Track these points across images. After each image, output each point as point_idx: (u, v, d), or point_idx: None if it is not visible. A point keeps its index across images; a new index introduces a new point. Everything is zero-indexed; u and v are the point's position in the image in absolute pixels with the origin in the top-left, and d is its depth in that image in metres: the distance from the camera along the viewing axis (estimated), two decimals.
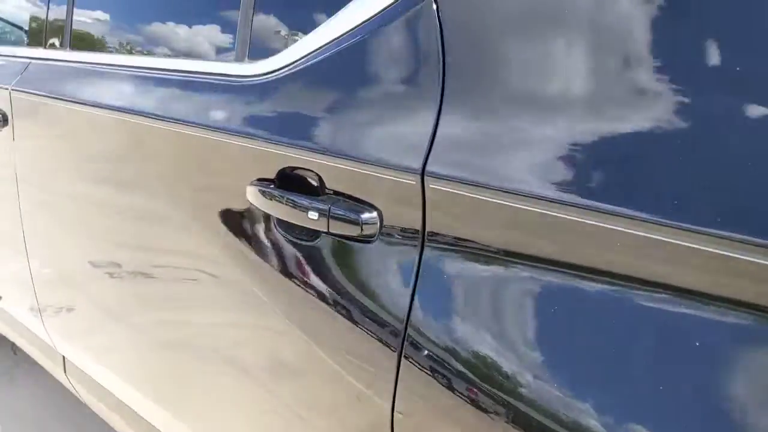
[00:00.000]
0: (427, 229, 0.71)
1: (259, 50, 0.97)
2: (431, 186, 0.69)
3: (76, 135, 1.29)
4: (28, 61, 1.46)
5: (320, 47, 0.84)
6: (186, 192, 1.04)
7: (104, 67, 1.22)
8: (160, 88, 1.09)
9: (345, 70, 0.81)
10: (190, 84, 1.02)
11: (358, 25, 0.79)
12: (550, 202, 0.59)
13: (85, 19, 1.34)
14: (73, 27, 1.34)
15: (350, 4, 0.82)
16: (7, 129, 1.48)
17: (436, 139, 0.69)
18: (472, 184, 0.65)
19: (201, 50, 1.09)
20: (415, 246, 0.72)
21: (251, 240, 0.94)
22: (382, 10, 0.77)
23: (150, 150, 1.10)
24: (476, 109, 0.68)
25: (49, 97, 1.32)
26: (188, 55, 1.11)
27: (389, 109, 0.75)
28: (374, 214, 0.76)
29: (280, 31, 0.97)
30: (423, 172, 0.69)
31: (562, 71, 0.62)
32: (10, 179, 1.50)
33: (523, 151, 0.63)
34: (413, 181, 0.70)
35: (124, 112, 1.11)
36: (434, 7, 0.71)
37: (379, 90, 0.77)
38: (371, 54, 0.78)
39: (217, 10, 1.07)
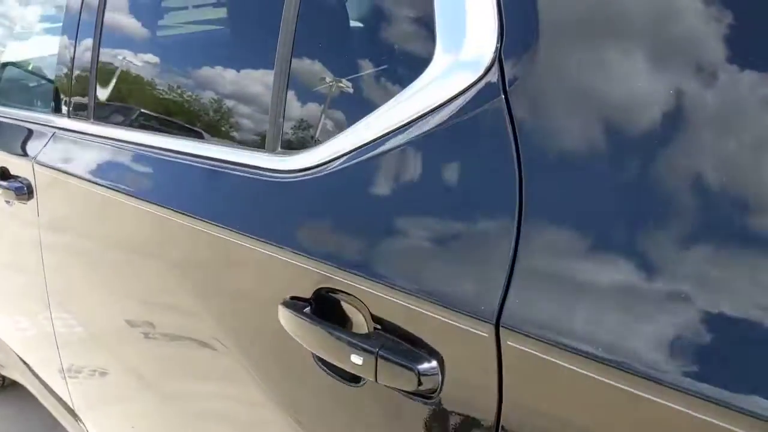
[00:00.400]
0: (505, 393, 0.55)
1: (295, 140, 0.82)
2: (509, 343, 0.53)
3: (97, 218, 1.18)
4: (52, 131, 1.36)
5: (370, 142, 0.68)
6: (212, 296, 0.90)
7: (126, 145, 1.10)
8: (183, 176, 0.96)
9: (399, 173, 0.65)
10: (215, 174, 0.88)
11: (419, 116, 0.63)
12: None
13: (108, 90, 1.22)
14: (97, 98, 1.23)
15: (409, 87, 0.65)
16: (32, 202, 1.38)
17: (514, 278, 0.53)
18: (562, 348, 0.49)
19: (229, 135, 0.95)
20: (489, 413, 0.56)
21: (283, 368, 0.79)
22: (452, 98, 0.61)
23: (175, 245, 0.96)
24: (568, 236, 0.52)
25: (70, 174, 1.20)
26: (214, 139, 0.97)
27: (454, 230, 0.59)
28: (434, 363, 0.60)
29: (320, 118, 0.81)
30: (498, 322, 0.53)
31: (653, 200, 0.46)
32: (36, 257, 1.39)
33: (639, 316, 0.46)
34: (485, 332, 0.54)
35: (144, 200, 0.98)
36: (506, 109, 0.56)
37: (442, 204, 0.61)
38: (433, 154, 0.62)
39: (249, 90, 0.92)
